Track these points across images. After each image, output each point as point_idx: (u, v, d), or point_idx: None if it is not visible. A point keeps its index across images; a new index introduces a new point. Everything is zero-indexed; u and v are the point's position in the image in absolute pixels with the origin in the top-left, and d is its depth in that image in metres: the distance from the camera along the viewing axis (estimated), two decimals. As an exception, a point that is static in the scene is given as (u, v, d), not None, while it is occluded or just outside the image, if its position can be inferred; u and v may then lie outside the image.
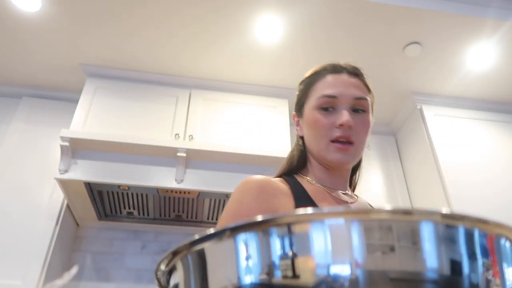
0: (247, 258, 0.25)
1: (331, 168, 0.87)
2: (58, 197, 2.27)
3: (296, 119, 0.96)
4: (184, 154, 2.19)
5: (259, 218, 0.25)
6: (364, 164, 1.01)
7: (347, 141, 0.82)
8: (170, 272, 0.30)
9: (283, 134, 2.57)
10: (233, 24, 2.27)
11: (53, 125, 2.52)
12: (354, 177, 0.98)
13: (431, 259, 0.24)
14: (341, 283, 0.23)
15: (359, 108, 0.85)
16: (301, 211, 0.25)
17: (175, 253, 0.28)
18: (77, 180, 2.10)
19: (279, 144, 2.51)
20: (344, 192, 0.89)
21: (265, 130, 2.55)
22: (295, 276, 0.24)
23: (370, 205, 0.93)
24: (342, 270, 0.23)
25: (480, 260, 0.25)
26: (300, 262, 0.24)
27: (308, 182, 0.87)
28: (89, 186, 2.16)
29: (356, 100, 0.85)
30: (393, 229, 0.24)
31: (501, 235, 0.26)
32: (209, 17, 2.24)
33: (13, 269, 2.04)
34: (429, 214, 0.24)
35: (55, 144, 2.39)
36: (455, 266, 0.24)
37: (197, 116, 2.52)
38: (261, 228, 0.25)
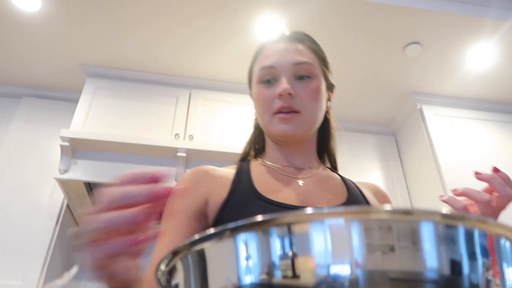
0: (247, 258, 0.25)
1: (284, 143, 0.82)
2: (58, 197, 2.27)
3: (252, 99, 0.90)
4: (184, 154, 2.19)
5: (259, 218, 0.25)
6: (337, 132, 0.92)
7: (292, 111, 0.76)
8: (170, 272, 0.31)
9: (283, 134, 2.56)
10: (233, 24, 2.27)
11: (53, 125, 2.52)
12: (329, 148, 0.91)
13: (431, 259, 0.24)
14: (341, 283, 0.23)
15: (303, 75, 0.78)
16: (301, 211, 0.25)
17: (175, 253, 0.28)
18: (77, 180, 2.10)
19: (279, 144, 2.51)
20: (301, 168, 0.82)
21: (265, 130, 2.55)
22: (295, 276, 0.24)
23: (341, 178, 0.85)
24: (342, 270, 0.23)
25: (480, 260, 0.25)
26: (300, 262, 0.24)
27: (260, 164, 0.83)
28: (89, 186, 2.16)
29: (296, 66, 0.78)
30: (393, 229, 0.24)
31: (501, 235, 0.26)
32: (209, 17, 2.24)
33: (13, 269, 2.04)
34: (429, 214, 0.25)
35: (55, 144, 2.39)
36: (455, 266, 0.24)
37: (197, 116, 2.52)
38: (261, 228, 0.25)
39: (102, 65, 2.57)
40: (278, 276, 0.24)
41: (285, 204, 0.70)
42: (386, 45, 2.41)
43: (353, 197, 0.78)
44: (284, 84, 0.75)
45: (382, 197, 0.87)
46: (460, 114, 2.79)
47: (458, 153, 2.61)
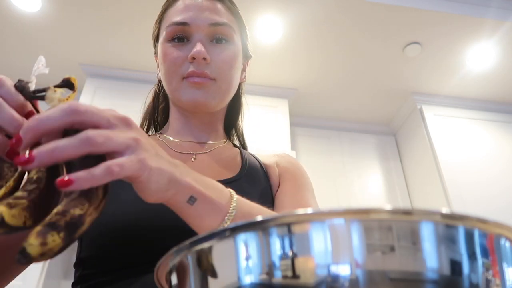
0: (247, 258, 0.25)
1: (191, 113, 0.73)
2: (58, 197, 2.27)
3: (156, 59, 0.78)
4: (184, 154, 2.19)
5: (259, 218, 0.25)
6: (246, 108, 0.84)
7: (205, 77, 0.67)
8: (170, 272, 0.31)
9: (283, 134, 2.57)
10: (233, 24, 2.27)
11: (53, 125, 2.52)
12: (237, 124, 0.84)
13: (431, 259, 0.24)
14: (341, 283, 0.23)
15: (220, 37, 0.69)
16: (301, 211, 0.25)
17: (175, 253, 0.29)
18: (77, 180, 2.10)
19: (279, 144, 2.51)
20: (202, 141, 0.74)
21: (265, 130, 2.55)
22: (295, 276, 0.24)
23: (241, 152, 0.77)
24: (342, 270, 0.23)
25: (480, 260, 0.25)
26: (300, 262, 0.24)
27: (156, 138, 0.75)
28: (89, 186, 2.16)
29: (213, 26, 0.68)
30: (393, 229, 0.24)
31: (501, 235, 0.26)
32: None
33: (13, 269, 2.04)
34: (429, 214, 0.25)
35: (55, 144, 2.39)
36: (455, 266, 0.24)
37: (197, 116, 2.52)
38: (261, 228, 0.25)
39: (102, 65, 2.57)
40: (278, 276, 0.24)
41: None
42: (386, 45, 2.41)
43: (246, 171, 0.70)
44: (198, 47, 0.65)
45: (286, 166, 0.76)
46: (460, 114, 2.80)
47: (458, 153, 2.61)
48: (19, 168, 0.37)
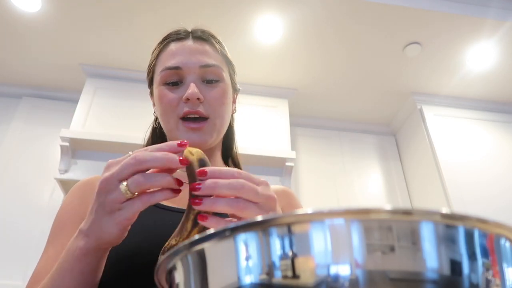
0: (247, 258, 0.25)
1: None
2: (58, 197, 2.27)
3: (152, 99, 0.84)
4: (184, 154, 2.18)
5: (259, 218, 0.25)
6: (236, 131, 0.91)
7: (200, 117, 0.72)
8: (170, 272, 0.31)
9: (283, 134, 2.57)
10: (232, 24, 2.27)
11: (53, 125, 2.52)
12: (232, 153, 0.90)
13: (431, 259, 0.24)
14: (341, 283, 0.23)
15: (211, 78, 0.74)
16: (301, 211, 0.25)
17: (175, 253, 0.28)
18: (77, 180, 2.10)
19: (279, 144, 2.51)
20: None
21: (265, 130, 2.55)
22: (295, 276, 0.24)
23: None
24: (342, 270, 0.23)
25: (480, 260, 0.25)
26: (300, 262, 0.24)
27: None
28: (89, 186, 2.16)
29: (204, 68, 0.73)
30: (393, 229, 0.24)
31: (501, 235, 0.26)
32: (208, 17, 2.24)
33: (13, 270, 2.04)
34: (429, 214, 0.25)
35: (55, 144, 2.39)
36: (455, 266, 0.24)
37: (197, 116, 2.51)
38: (261, 228, 0.25)
39: (102, 65, 2.57)
40: (278, 276, 0.24)
41: (175, 208, 0.68)
42: (386, 45, 2.41)
43: None
44: (192, 88, 0.70)
45: (286, 200, 0.80)
46: (460, 114, 2.79)
47: (458, 153, 2.61)
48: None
